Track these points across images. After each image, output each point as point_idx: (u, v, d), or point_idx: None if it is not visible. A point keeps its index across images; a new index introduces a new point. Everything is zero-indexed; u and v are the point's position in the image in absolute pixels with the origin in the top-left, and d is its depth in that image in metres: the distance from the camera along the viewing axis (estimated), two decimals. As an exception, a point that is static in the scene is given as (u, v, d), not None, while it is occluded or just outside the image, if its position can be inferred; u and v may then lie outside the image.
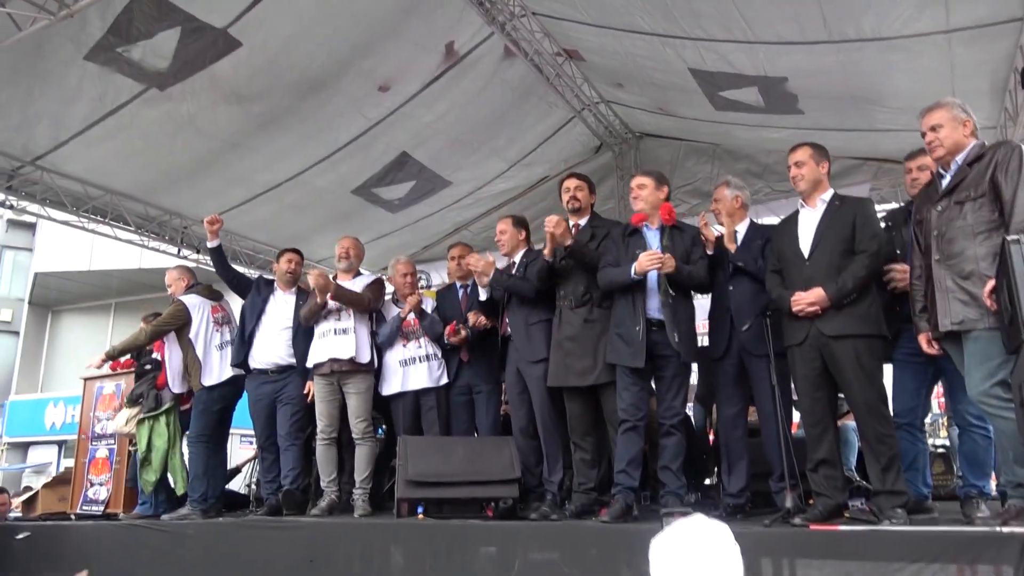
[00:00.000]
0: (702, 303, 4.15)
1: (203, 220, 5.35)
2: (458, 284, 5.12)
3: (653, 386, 3.97)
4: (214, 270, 5.43)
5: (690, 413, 4.96)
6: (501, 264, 4.66)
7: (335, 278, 4.93)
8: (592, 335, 4.02)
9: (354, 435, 4.80)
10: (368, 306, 4.92)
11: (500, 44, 6.13)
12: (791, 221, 3.68)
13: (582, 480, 4.10)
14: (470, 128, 6.96)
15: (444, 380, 4.88)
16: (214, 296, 5.50)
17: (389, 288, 5.39)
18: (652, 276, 3.78)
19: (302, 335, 4.97)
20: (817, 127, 6.08)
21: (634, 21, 5.35)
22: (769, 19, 4.87)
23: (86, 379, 5.99)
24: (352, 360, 4.73)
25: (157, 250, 7.57)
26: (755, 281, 3.81)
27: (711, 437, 5.27)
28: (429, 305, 5.02)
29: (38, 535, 5.25)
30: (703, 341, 4.26)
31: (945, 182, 3.15)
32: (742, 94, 6.00)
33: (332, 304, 4.82)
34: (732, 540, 1.54)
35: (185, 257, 7.47)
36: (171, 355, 5.29)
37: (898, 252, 3.69)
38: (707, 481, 5.35)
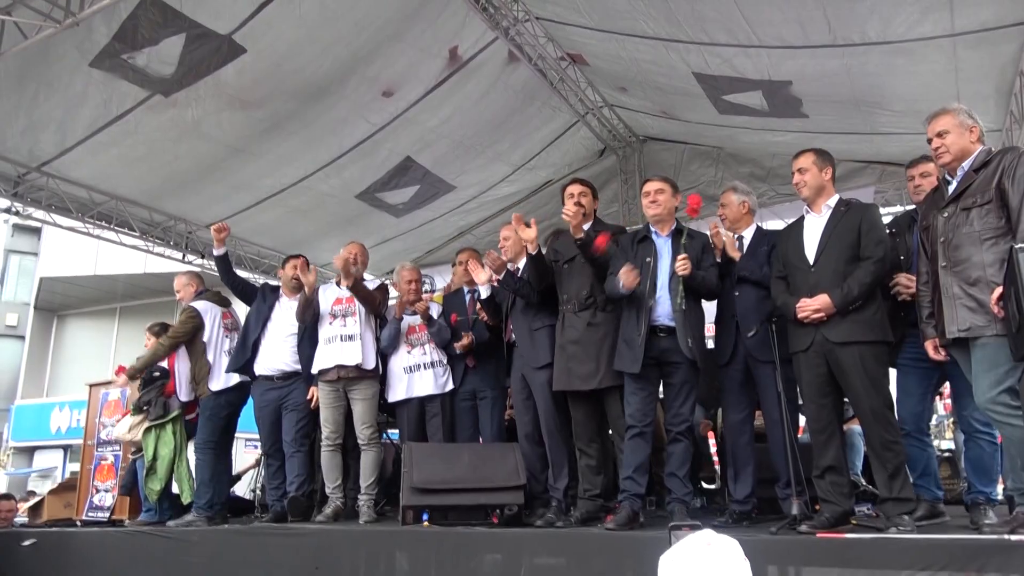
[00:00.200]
0: (707, 308, 4.14)
1: (210, 227, 5.36)
2: (465, 289, 5.11)
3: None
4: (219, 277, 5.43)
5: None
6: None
7: (338, 283, 4.93)
8: (595, 339, 3.99)
9: (360, 441, 4.80)
10: (378, 308, 4.94)
11: (504, 49, 6.14)
12: (796, 227, 3.66)
13: (587, 486, 4.07)
14: (474, 133, 6.98)
15: (449, 387, 4.87)
16: (223, 302, 5.50)
17: (393, 293, 5.39)
18: (663, 283, 3.77)
19: (307, 341, 4.97)
20: (821, 131, 6.09)
21: (638, 25, 5.35)
22: (773, 23, 4.86)
23: (92, 385, 6.00)
24: (358, 367, 4.73)
25: (162, 255, 7.60)
26: (760, 287, 3.80)
27: (711, 440, 5.26)
28: (436, 311, 5.01)
29: (44, 542, 5.25)
30: (709, 345, 4.24)
31: (952, 188, 3.13)
32: (746, 98, 6.00)
33: (333, 308, 4.83)
34: (742, 555, 1.53)
35: (190, 262, 7.49)
36: (180, 363, 5.27)
37: (901, 258, 3.67)
38: (710, 486, 5.34)
